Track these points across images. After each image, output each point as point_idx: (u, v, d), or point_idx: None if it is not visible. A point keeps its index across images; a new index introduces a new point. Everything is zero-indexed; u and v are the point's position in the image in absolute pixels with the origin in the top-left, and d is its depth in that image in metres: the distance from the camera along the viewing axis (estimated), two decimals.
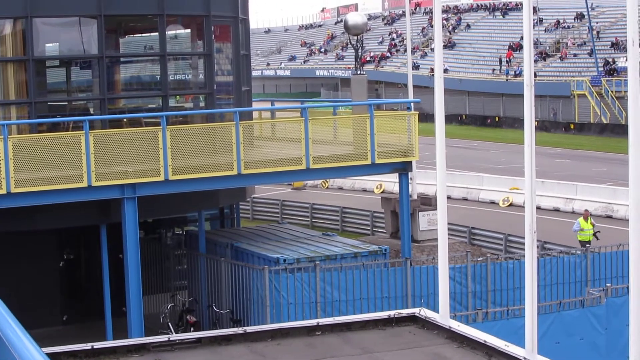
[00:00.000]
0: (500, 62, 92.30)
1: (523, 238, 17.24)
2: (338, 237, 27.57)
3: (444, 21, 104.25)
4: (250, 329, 11.17)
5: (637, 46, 8.78)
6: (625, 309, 18.87)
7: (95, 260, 26.21)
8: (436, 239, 12.72)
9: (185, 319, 25.87)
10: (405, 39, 59.86)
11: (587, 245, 29.38)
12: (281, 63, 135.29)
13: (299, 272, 23.38)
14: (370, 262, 24.33)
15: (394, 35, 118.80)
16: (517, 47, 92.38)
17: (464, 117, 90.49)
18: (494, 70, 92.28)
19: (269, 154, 25.63)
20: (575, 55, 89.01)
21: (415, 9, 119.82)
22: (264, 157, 25.17)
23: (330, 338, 11.02)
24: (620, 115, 76.55)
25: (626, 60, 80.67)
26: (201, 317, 26.05)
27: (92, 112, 26.35)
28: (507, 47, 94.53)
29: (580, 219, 32.53)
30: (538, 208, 18.59)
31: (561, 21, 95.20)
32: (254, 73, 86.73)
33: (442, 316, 11.41)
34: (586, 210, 33.91)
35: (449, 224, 12.53)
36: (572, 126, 79.65)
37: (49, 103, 26.83)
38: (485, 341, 10.37)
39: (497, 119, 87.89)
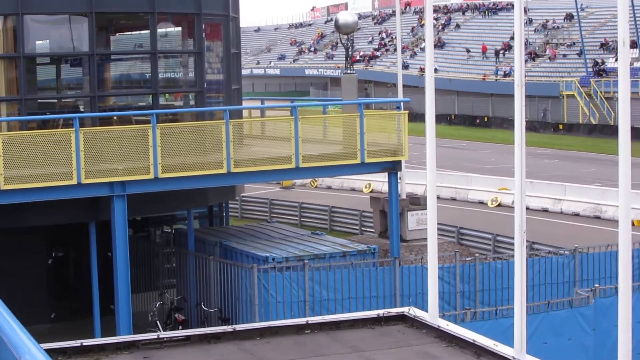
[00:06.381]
0: (497, 54, 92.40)
1: (511, 238, 17.26)
2: (327, 236, 27.57)
3: (434, 21, 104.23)
4: (239, 327, 11.18)
5: (628, 46, 8.82)
6: (613, 310, 18.93)
7: (84, 258, 26.14)
8: (425, 239, 12.75)
9: (173, 317, 25.84)
10: (395, 38, 59.84)
11: None
12: (271, 62, 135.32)
13: (287, 271, 23.37)
14: (359, 261, 24.32)
15: (384, 35, 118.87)
16: (507, 47, 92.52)
17: (452, 117, 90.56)
18: (496, 70, 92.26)
19: (259, 153, 25.61)
20: (564, 55, 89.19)
21: (405, 8, 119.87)
22: (254, 155, 25.15)
23: (320, 336, 11.03)
24: (609, 116, 76.73)
25: (615, 60, 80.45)
26: (189, 315, 26.03)
27: (82, 109, 26.31)
28: (498, 46, 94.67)
29: None
30: (527, 208, 18.57)
31: (550, 21, 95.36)
32: (244, 72, 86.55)
33: (431, 315, 11.43)
34: None
35: (437, 223, 12.53)
36: (560, 126, 79.78)
37: (39, 100, 26.80)
38: (474, 340, 10.39)
39: (486, 119, 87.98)
